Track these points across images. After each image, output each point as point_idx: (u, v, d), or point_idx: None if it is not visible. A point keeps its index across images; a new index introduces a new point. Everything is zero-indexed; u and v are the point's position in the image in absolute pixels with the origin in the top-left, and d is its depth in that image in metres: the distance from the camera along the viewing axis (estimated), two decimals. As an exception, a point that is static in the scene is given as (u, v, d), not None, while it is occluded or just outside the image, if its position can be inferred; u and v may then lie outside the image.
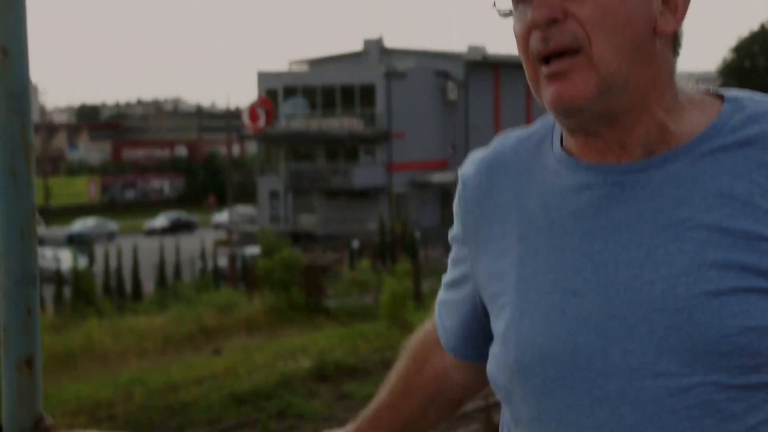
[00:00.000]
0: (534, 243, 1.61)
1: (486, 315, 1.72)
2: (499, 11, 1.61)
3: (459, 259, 1.79)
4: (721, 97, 1.61)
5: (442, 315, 1.87)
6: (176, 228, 64.98)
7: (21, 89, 1.82)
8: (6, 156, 1.83)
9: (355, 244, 43.96)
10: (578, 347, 1.53)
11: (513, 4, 1.59)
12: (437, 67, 55.46)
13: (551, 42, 1.52)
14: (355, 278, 36.80)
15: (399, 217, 47.40)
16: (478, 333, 1.79)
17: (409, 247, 41.44)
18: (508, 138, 1.75)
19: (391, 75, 52.87)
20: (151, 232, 63.46)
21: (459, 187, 1.77)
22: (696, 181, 1.52)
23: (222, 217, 67.31)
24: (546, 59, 1.53)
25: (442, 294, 1.87)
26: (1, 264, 1.86)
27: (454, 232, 1.79)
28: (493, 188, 1.70)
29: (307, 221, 53.77)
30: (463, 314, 1.81)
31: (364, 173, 52.83)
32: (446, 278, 1.85)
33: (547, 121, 1.71)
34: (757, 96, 1.60)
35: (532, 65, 1.56)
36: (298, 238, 47.52)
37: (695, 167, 1.53)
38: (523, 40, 1.56)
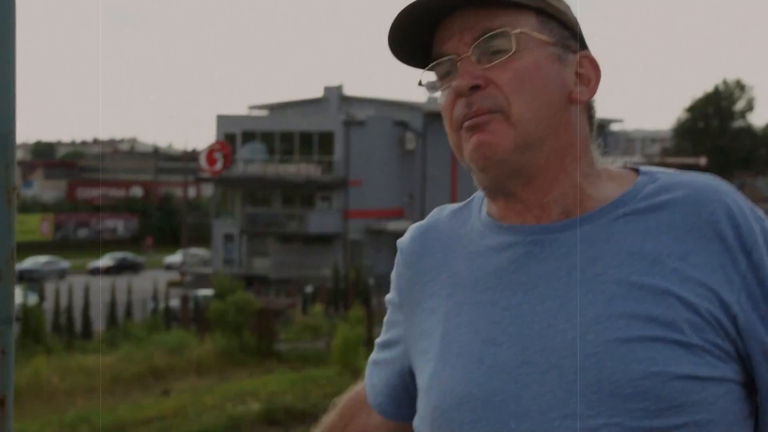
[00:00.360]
0: (459, 299, 1.71)
1: (413, 379, 1.81)
2: (426, 86, 1.74)
3: (392, 323, 1.89)
4: (637, 171, 1.73)
5: (372, 374, 1.95)
6: (122, 268, 64.49)
7: (6, 131, 1.78)
8: None
9: (309, 289, 43.86)
10: (493, 392, 1.62)
11: (438, 79, 1.72)
12: (396, 117, 55.75)
13: (474, 106, 1.64)
14: (308, 323, 36.66)
15: (353, 264, 47.37)
16: (403, 394, 1.88)
17: (363, 294, 41.38)
18: (443, 209, 1.87)
19: (350, 123, 53.08)
20: (95, 272, 62.73)
21: (397, 254, 1.89)
22: (609, 241, 1.63)
23: (173, 258, 66.96)
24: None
25: (373, 354, 1.95)
26: None
27: (389, 296, 1.90)
28: (425, 252, 1.82)
29: (261, 265, 53.61)
30: (392, 374, 1.89)
31: (320, 219, 52.85)
32: (379, 339, 1.93)
33: (477, 194, 1.82)
34: (669, 170, 1.71)
35: (456, 131, 1.69)
36: (252, 281, 47.33)
37: (609, 228, 1.64)
38: (449, 109, 1.69)
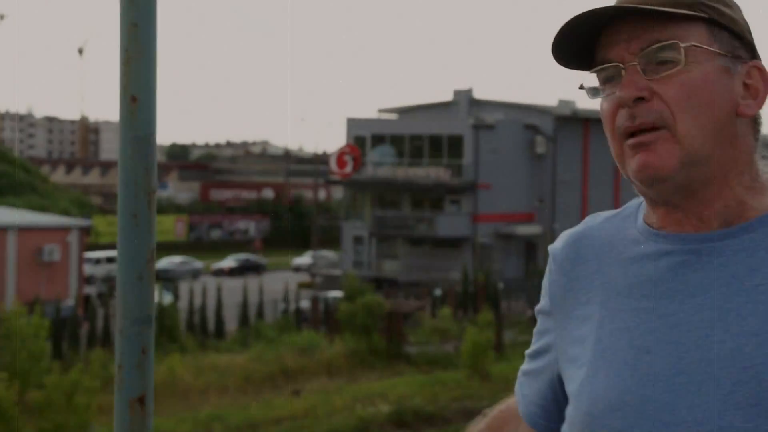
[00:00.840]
0: (613, 306, 1.69)
1: (563, 388, 1.79)
2: (587, 91, 1.71)
3: (542, 331, 1.87)
4: None
5: (523, 384, 1.93)
6: (244, 269, 65.34)
7: (147, 135, 1.83)
8: (129, 199, 1.84)
9: (438, 292, 43.89)
10: (647, 400, 1.59)
11: (600, 84, 1.69)
12: (526, 121, 55.41)
13: (638, 119, 1.62)
14: (437, 326, 36.70)
15: (482, 268, 47.24)
16: (554, 407, 1.85)
17: (492, 298, 41.24)
18: (596, 217, 1.85)
19: (480, 126, 52.94)
20: (219, 273, 63.78)
21: (549, 261, 1.87)
22: None
23: (302, 259, 67.66)
24: (631, 134, 1.63)
25: (524, 365, 1.93)
26: (119, 304, 1.89)
27: (540, 305, 1.88)
28: (579, 259, 1.79)
29: (390, 267, 53.83)
30: (543, 385, 1.87)
31: (449, 222, 52.82)
32: (529, 350, 1.91)
33: (634, 201, 1.80)
34: None
35: (618, 141, 1.66)
36: (381, 284, 47.59)
37: None
38: (611, 117, 1.66)
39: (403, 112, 61.42)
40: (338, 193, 75.92)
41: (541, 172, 55.30)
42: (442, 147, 54.10)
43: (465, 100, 58.41)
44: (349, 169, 53.13)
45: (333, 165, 54.28)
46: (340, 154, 53.54)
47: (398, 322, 36.28)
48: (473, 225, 52.50)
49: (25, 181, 66.75)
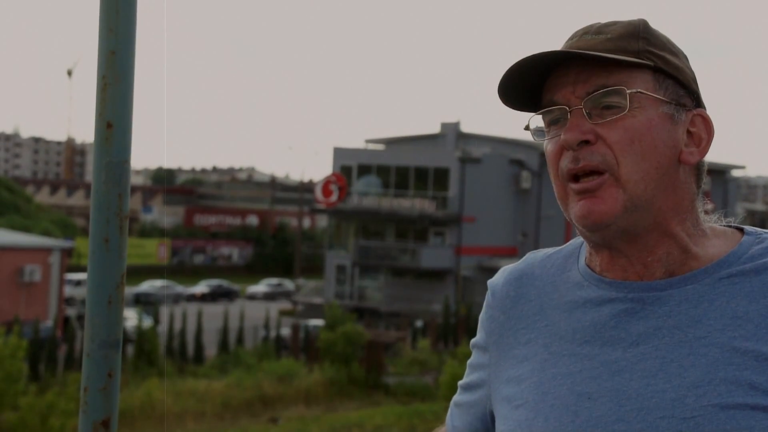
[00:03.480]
0: (556, 350, 1.70)
1: (494, 424, 1.81)
2: (532, 132, 1.73)
3: (476, 365, 1.87)
4: (742, 230, 1.72)
5: (454, 415, 1.94)
6: (217, 295, 65.09)
7: (121, 161, 1.85)
8: (101, 224, 1.85)
9: (419, 323, 43.84)
10: None
11: (545, 126, 1.71)
12: (512, 155, 55.56)
13: (582, 162, 1.63)
14: (416, 357, 36.65)
15: (464, 300, 47.25)
16: None
17: (473, 331, 41.12)
18: (537, 254, 1.87)
19: (466, 160, 53.03)
20: (191, 298, 63.45)
21: (488, 295, 1.88)
22: (713, 303, 1.61)
23: (257, 288, 67.63)
24: (574, 177, 1.65)
25: (456, 396, 1.94)
26: (87, 327, 1.89)
27: (475, 339, 1.88)
28: (520, 298, 1.80)
29: (372, 297, 53.78)
30: (473, 418, 1.88)
31: (433, 254, 52.82)
32: (462, 381, 1.92)
33: (575, 240, 1.82)
34: None
35: (561, 183, 1.68)
36: (363, 313, 47.53)
37: (713, 289, 1.62)
38: (555, 159, 1.68)
39: (390, 143, 61.50)
40: (323, 221, 75.88)
41: (525, 206, 55.43)
42: (428, 179, 54.17)
43: (452, 133, 58.55)
44: (334, 198, 53.14)
45: (318, 193, 54.27)
46: (326, 183, 53.56)
47: (378, 352, 36.21)
48: (456, 257, 52.52)
49: (8, 201, 66.58)
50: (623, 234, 1.64)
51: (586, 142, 1.63)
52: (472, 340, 1.89)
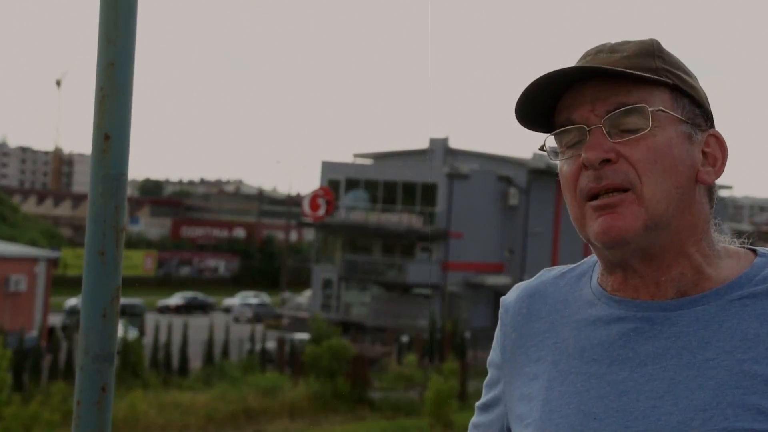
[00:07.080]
0: (564, 368, 1.69)
1: None
2: (548, 152, 1.71)
3: (492, 384, 1.86)
4: (755, 252, 1.71)
5: None
6: (191, 308, 64.71)
7: (119, 174, 1.84)
8: (97, 237, 1.83)
9: (405, 338, 43.81)
10: None
11: (560, 146, 1.69)
12: (500, 172, 55.62)
13: (604, 180, 1.62)
14: (402, 372, 36.59)
15: (450, 316, 47.23)
16: None
17: (458, 347, 41.19)
18: (551, 271, 1.85)
19: (454, 175, 53.08)
20: (164, 310, 63.05)
21: (501, 312, 1.86)
22: (723, 324, 1.60)
23: (232, 300, 67.13)
24: (594, 196, 1.63)
25: (474, 417, 1.93)
26: (81, 340, 1.87)
27: (491, 357, 1.88)
28: (532, 315, 1.79)
29: (359, 312, 53.74)
30: None
31: (419, 269, 52.82)
32: (479, 402, 1.91)
33: (589, 259, 1.81)
34: None
35: (579, 203, 1.66)
36: (348, 327, 47.48)
37: (724, 311, 1.61)
38: (573, 179, 1.66)
39: (379, 157, 61.54)
40: (310, 235, 75.81)
41: (512, 223, 55.48)
42: (416, 194, 54.20)
43: (440, 149, 58.59)
44: (321, 211, 53.12)
45: (306, 207, 54.26)
46: (314, 197, 53.55)
47: (364, 367, 36.15)
48: (443, 273, 52.53)
49: (-6, 210, 66.38)
50: (641, 253, 1.63)
51: (608, 161, 1.62)
52: (488, 359, 1.89)
